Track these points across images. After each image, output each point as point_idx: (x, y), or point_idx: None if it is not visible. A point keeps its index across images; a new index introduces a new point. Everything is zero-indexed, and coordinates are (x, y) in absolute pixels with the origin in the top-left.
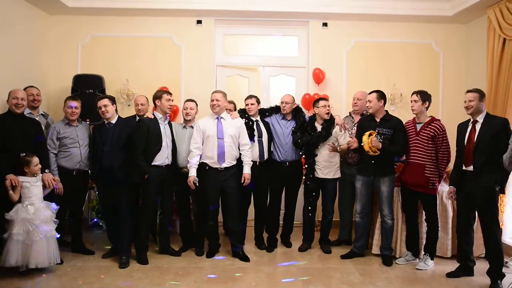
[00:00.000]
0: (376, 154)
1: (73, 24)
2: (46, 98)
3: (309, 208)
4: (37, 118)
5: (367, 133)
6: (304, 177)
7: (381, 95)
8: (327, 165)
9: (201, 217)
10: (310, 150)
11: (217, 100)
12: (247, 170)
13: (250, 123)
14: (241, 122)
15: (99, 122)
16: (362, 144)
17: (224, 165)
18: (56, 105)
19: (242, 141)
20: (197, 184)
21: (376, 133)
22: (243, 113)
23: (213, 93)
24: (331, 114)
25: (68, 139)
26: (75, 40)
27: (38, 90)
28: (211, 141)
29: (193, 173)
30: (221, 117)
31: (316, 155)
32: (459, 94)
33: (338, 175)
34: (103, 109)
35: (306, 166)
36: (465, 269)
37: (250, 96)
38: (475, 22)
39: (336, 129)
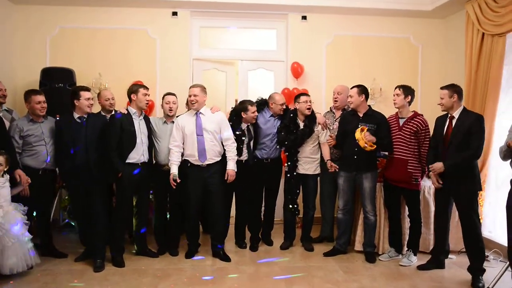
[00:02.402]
0: (373, 148)
1: (40, 15)
2: (12, 92)
3: (295, 206)
4: (0, 114)
5: (359, 129)
6: (287, 174)
7: (362, 90)
8: (308, 161)
9: (178, 216)
10: (294, 147)
11: (194, 96)
12: (231, 166)
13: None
14: (221, 116)
15: (63, 116)
16: (356, 141)
17: (206, 162)
18: (23, 101)
19: (224, 135)
20: (178, 181)
21: (367, 128)
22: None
23: (190, 87)
24: (313, 110)
25: (33, 136)
26: (43, 32)
27: (3, 86)
28: (191, 138)
29: (174, 170)
30: (200, 113)
31: (298, 151)
32: (438, 89)
33: (318, 170)
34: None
35: (288, 163)
36: (436, 262)
37: (251, 103)
38: (454, 17)
39: (319, 127)
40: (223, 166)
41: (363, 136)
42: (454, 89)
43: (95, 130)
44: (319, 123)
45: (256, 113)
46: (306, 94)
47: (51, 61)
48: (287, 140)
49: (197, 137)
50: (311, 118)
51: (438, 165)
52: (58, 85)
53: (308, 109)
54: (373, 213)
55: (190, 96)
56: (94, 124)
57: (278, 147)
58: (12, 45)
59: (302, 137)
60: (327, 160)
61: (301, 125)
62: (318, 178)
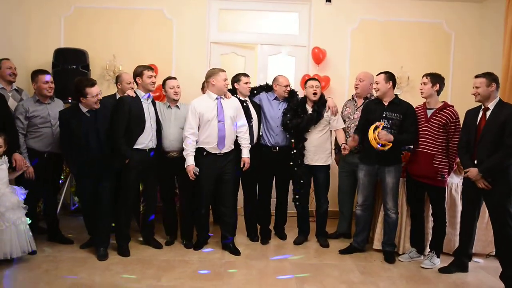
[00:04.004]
0: (388, 147)
1: None
2: (25, 73)
3: (296, 197)
4: (9, 94)
5: (372, 127)
6: (291, 163)
7: (389, 77)
8: (317, 151)
9: (189, 206)
10: (299, 133)
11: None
12: (246, 154)
13: (245, 104)
14: (237, 102)
15: (69, 106)
16: (369, 141)
17: (224, 150)
18: None
19: (239, 122)
20: (198, 174)
21: (382, 124)
22: (231, 93)
23: (223, 71)
24: (323, 96)
25: (39, 118)
26: (57, 11)
27: (13, 64)
28: (211, 125)
29: (191, 161)
30: (221, 97)
31: (306, 139)
32: (471, 79)
33: (329, 161)
34: (99, 96)
35: (294, 151)
36: (459, 265)
37: (246, 75)
38: (491, 1)
39: (329, 112)
40: (236, 154)
41: (376, 136)
42: (492, 77)
43: (106, 120)
44: (328, 106)
45: (249, 85)
46: (313, 79)
47: (66, 42)
48: (290, 121)
49: (218, 123)
50: (320, 104)
51: (473, 172)
52: (71, 66)
53: (315, 94)
54: (394, 211)
55: (246, 83)
56: (105, 115)
57: (283, 131)
58: (27, 25)
59: (308, 122)
60: (342, 143)
61: (310, 110)
62: (330, 169)
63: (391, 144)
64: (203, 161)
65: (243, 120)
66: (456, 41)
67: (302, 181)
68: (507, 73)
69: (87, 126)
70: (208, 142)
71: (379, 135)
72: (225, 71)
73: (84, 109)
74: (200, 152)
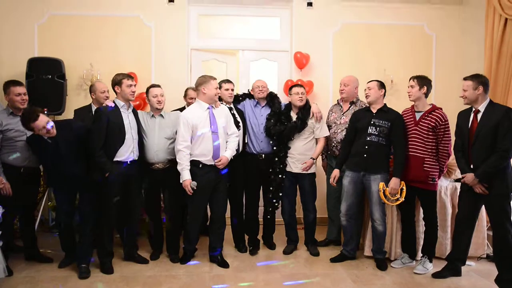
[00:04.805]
0: (403, 195)
1: (28, 0)
2: None
3: (269, 209)
4: None
5: (380, 190)
6: (270, 170)
7: (382, 84)
8: (302, 159)
9: (178, 219)
10: (282, 141)
11: (232, 90)
12: (227, 154)
13: (232, 112)
14: (227, 109)
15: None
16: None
17: (218, 160)
18: None
19: (230, 130)
20: (195, 189)
21: (383, 184)
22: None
23: (228, 82)
24: (308, 102)
25: (13, 131)
26: (30, 19)
27: None
28: (204, 137)
29: (187, 176)
30: (212, 106)
31: (289, 147)
32: (453, 81)
33: (313, 169)
34: (48, 127)
35: (275, 159)
36: (453, 269)
37: (228, 81)
38: (471, 2)
39: (313, 120)
40: (229, 163)
41: (387, 195)
42: (479, 80)
43: (69, 138)
44: (313, 114)
45: (231, 91)
46: (298, 85)
47: (40, 51)
48: (273, 127)
49: (212, 135)
50: (304, 111)
51: (470, 178)
52: (46, 76)
53: (300, 100)
54: (381, 222)
55: (227, 90)
56: (65, 134)
57: (267, 137)
58: None
59: (291, 130)
60: (311, 158)
61: (294, 117)
62: (316, 177)
63: (404, 191)
64: (200, 173)
65: (234, 129)
66: (438, 43)
67: (278, 191)
68: (490, 73)
69: (51, 152)
70: (202, 154)
71: (390, 193)
72: (216, 79)
73: (45, 136)
74: (195, 165)
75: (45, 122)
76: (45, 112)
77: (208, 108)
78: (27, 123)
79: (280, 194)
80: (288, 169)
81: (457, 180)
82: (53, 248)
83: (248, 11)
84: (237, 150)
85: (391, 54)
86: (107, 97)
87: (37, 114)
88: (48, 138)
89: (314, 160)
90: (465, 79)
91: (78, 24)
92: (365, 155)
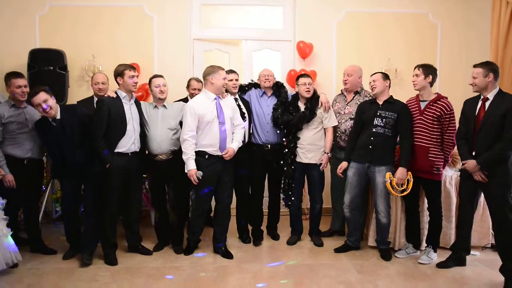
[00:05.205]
0: (410, 185)
1: None
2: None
3: (292, 197)
4: None
5: (387, 180)
6: (281, 161)
7: (386, 76)
8: (311, 149)
9: (183, 210)
10: (290, 131)
11: (237, 80)
12: (233, 146)
13: (237, 103)
14: (233, 100)
15: (40, 119)
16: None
17: (225, 152)
18: None
19: (236, 121)
20: (201, 178)
21: (390, 174)
22: None
23: (221, 69)
24: (315, 92)
25: (15, 123)
26: (31, 10)
27: None
28: (211, 127)
29: (192, 165)
30: (219, 97)
31: (299, 138)
32: (459, 69)
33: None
34: (44, 106)
35: (286, 150)
36: (457, 259)
37: (232, 71)
38: None
39: (321, 109)
40: (236, 154)
41: (394, 186)
42: (489, 67)
43: (73, 125)
44: (321, 104)
45: (235, 82)
46: (305, 75)
47: (41, 42)
48: (280, 117)
49: (219, 125)
50: (313, 101)
51: (471, 165)
52: (48, 68)
53: (307, 91)
54: (385, 214)
55: (232, 80)
56: (71, 118)
57: (274, 128)
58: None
59: (299, 120)
60: (324, 152)
61: (302, 107)
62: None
63: (411, 182)
64: (206, 164)
65: (239, 120)
66: (443, 31)
67: (291, 182)
68: (496, 62)
69: (56, 135)
70: (209, 145)
71: (396, 184)
72: (224, 69)
73: (50, 118)
74: (201, 155)
75: (42, 100)
76: (52, 97)
77: (215, 98)
78: (29, 97)
79: (293, 186)
80: (297, 159)
81: None
82: (57, 240)
83: (250, 1)
84: (243, 141)
85: (396, 43)
86: (100, 89)
87: (38, 91)
88: (53, 121)
89: (329, 154)
90: (475, 66)
91: (80, 14)
92: (370, 147)
